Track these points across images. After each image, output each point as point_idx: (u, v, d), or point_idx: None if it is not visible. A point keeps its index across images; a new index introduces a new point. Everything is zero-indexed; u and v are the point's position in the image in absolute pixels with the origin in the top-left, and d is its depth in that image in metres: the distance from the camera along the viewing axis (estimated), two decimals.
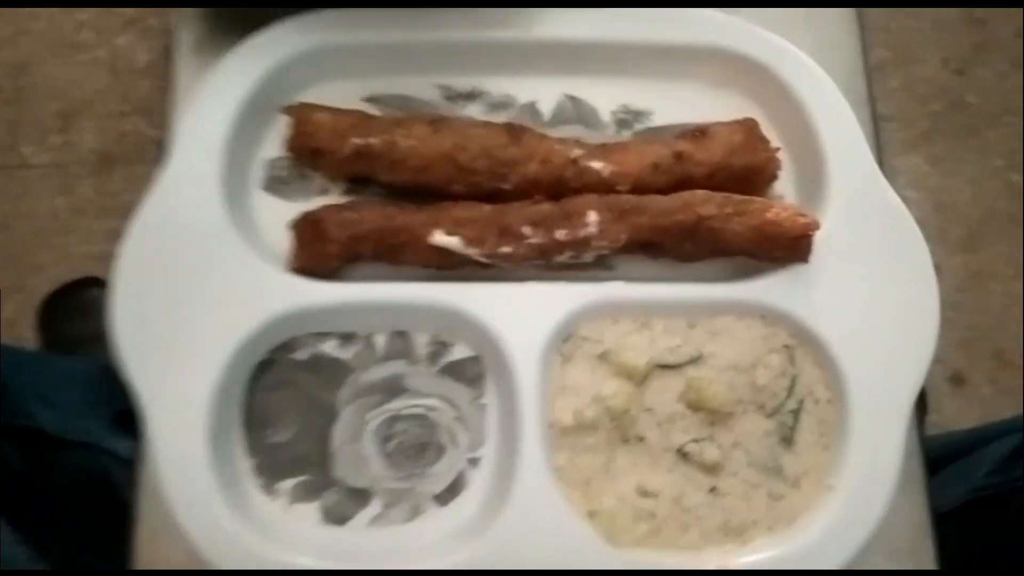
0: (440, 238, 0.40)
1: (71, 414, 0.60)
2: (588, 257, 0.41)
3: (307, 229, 0.41)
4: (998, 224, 1.13)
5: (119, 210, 1.07)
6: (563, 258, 0.41)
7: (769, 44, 0.44)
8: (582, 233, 0.40)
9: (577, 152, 0.42)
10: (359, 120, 0.42)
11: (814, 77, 0.43)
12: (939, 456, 0.62)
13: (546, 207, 0.41)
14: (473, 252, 0.40)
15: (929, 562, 0.42)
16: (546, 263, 0.41)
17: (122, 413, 0.67)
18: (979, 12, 1.19)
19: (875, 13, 0.47)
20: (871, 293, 0.41)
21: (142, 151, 1.12)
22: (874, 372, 0.40)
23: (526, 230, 0.40)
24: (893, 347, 0.40)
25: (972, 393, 1.07)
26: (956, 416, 1.03)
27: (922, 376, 0.40)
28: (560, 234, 0.40)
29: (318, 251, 0.41)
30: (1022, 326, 1.08)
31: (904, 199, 0.43)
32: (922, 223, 0.43)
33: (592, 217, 0.40)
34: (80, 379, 0.66)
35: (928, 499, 0.42)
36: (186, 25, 0.46)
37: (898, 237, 0.42)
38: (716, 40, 0.44)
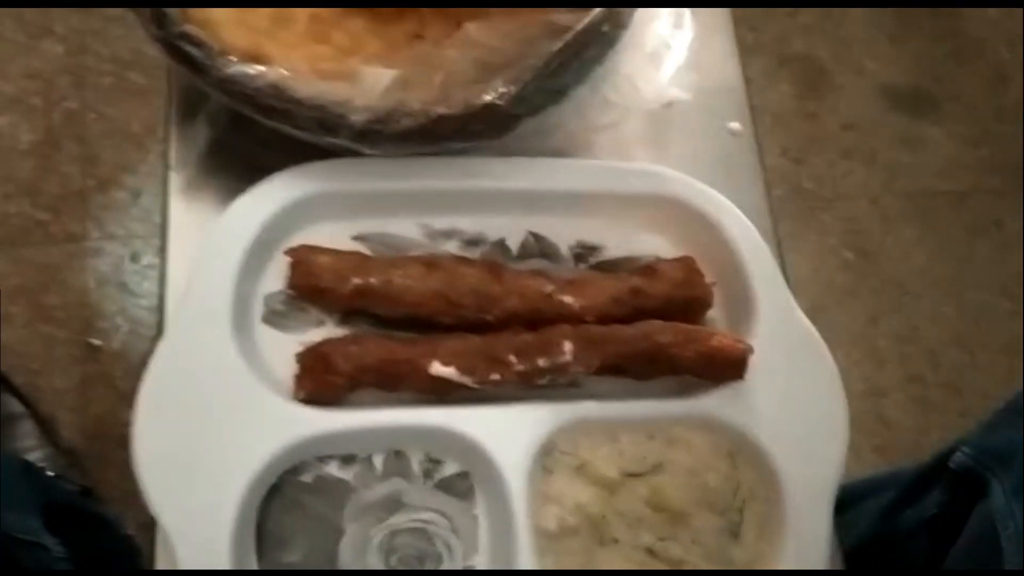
0: (438, 369, 0.45)
1: (18, 513, 0.60)
2: (563, 380, 0.47)
3: (314, 361, 0.45)
4: (835, 296, 1.27)
5: (7, 293, 1.05)
6: (542, 381, 0.47)
7: (701, 193, 0.52)
8: (560, 360, 0.46)
9: (550, 288, 0.48)
10: (358, 261, 0.47)
11: (738, 221, 0.51)
12: None
13: (528, 338, 0.47)
14: (467, 380, 0.46)
15: None
16: (526, 386, 0.47)
17: (44, 508, 0.67)
18: (811, 107, 1.35)
19: None
20: (794, 403, 0.49)
21: (27, 233, 1.09)
22: (801, 471, 0.47)
23: (512, 359, 0.46)
24: (814, 448, 0.48)
25: None
26: None
27: (840, 472, 0.48)
28: (541, 362, 0.46)
29: (325, 382, 0.45)
30: (858, 388, 1.22)
31: None
32: None
33: (568, 347, 0.47)
34: (15, 477, 0.65)
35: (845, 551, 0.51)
36: (179, 170, 0.49)
37: (811, 354, 0.50)
38: (656, 189, 0.52)
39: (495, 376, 0.46)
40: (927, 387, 1.24)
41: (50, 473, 0.92)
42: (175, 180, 0.49)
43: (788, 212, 1.30)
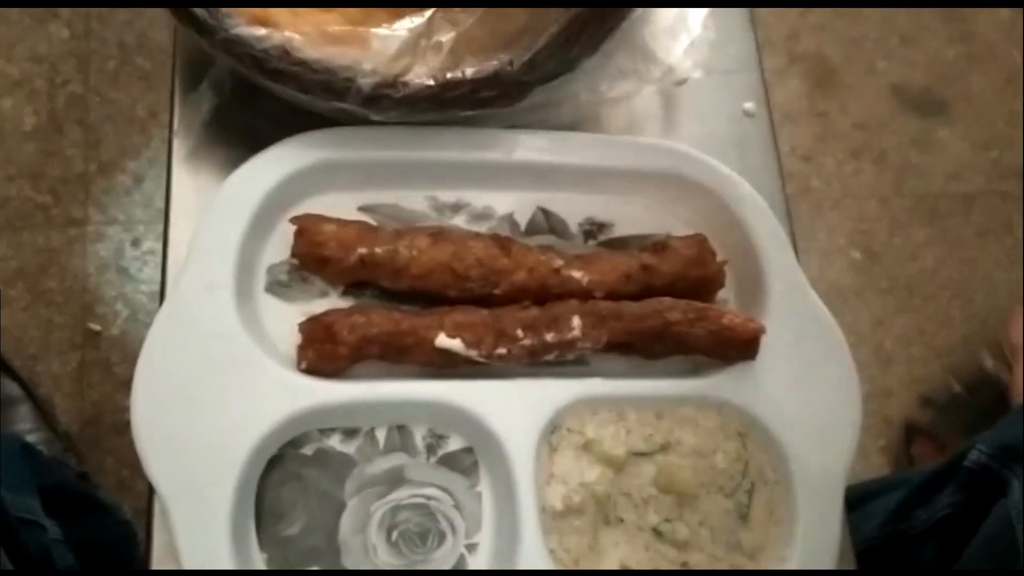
0: (444, 341, 0.44)
1: (17, 492, 0.59)
2: (571, 356, 0.46)
3: (318, 331, 0.44)
4: (842, 296, 1.26)
5: (5, 276, 1.04)
6: (550, 357, 0.46)
7: (714, 171, 0.51)
8: (568, 336, 0.45)
9: (559, 263, 0.47)
10: (363, 230, 0.46)
11: (752, 200, 0.50)
12: None
13: (535, 312, 0.46)
14: (472, 353, 0.45)
15: None
16: (533, 361, 0.46)
17: (41, 490, 0.66)
18: (821, 106, 1.34)
19: None
20: (805, 385, 0.48)
21: (27, 216, 1.09)
22: (812, 453, 0.46)
23: (519, 333, 0.45)
24: (825, 430, 0.47)
25: None
26: None
27: (851, 456, 0.47)
28: (549, 337, 0.45)
29: (328, 352, 0.44)
30: (865, 389, 1.20)
31: None
32: None
33: (576, 322, 0.46)
34: (13, 456, 0.64)
35: (854, 551, 0.49)
36: (182, 138, 0.48)
37: (823, 336, 0.49)
38: (668, 166, 0.51)
39: (502, 350, 0.45)
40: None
41: (48, 456, 0.91)
42: (178, 147, 0.48)
43: (796, 211, 1.29)
